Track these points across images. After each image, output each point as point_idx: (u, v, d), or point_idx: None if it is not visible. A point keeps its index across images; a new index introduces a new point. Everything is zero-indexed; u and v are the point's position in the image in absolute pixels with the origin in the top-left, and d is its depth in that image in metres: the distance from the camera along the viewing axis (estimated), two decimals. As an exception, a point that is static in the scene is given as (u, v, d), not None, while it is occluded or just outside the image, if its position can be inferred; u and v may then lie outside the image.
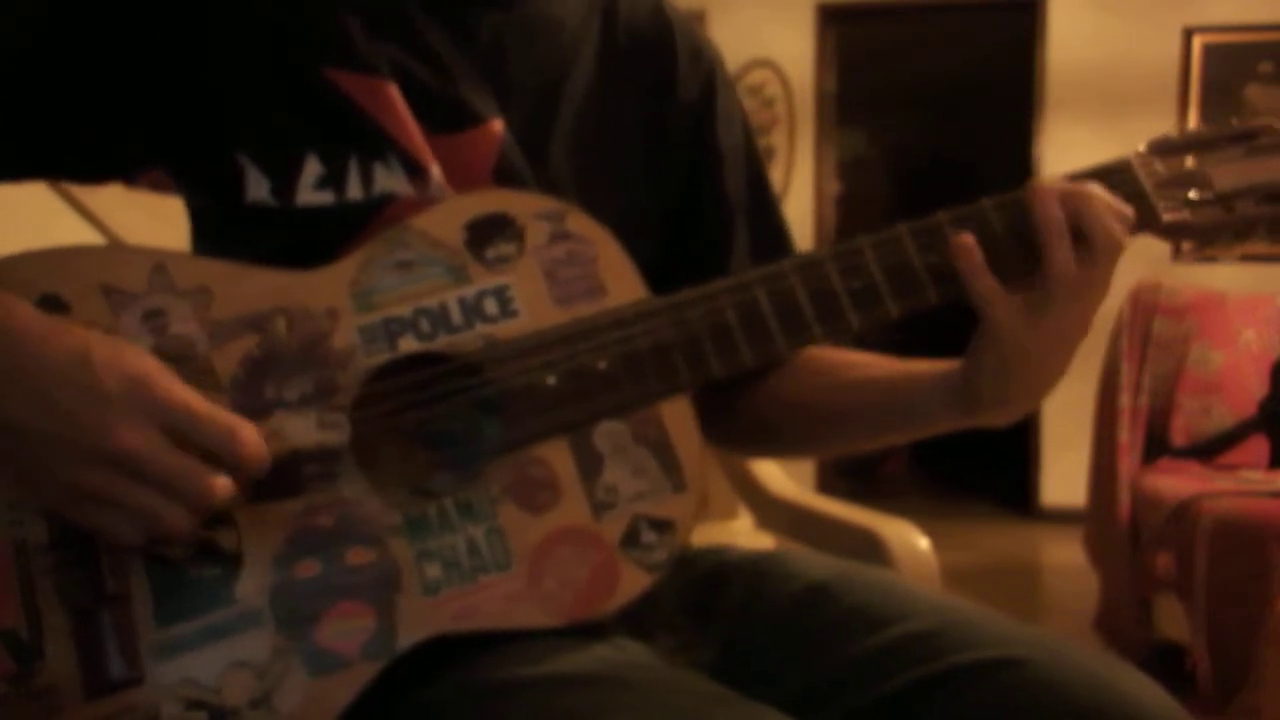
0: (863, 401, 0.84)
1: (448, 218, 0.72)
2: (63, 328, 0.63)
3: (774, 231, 0.92)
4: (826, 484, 4.85)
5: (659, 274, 0.75)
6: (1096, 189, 0.72)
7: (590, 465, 0.71)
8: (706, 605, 0.83)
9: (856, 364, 0.87)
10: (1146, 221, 0.75)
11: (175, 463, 0.61)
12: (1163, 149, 0.77)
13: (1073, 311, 0.71)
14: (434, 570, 0.68)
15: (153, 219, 0.82)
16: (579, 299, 0.72)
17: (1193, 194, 0.76)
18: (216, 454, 0.62)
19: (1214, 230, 0.77)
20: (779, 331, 0.73)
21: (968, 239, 0.72)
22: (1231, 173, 0.77)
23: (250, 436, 0.63)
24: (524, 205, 0.73)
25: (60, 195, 2.18)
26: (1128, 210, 0.73)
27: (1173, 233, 0.77)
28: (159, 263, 0.69)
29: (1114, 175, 0.75)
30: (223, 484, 0.62)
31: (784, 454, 1.04)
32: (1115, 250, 0.71)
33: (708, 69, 0.89)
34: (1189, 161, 0.77)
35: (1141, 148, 0.77)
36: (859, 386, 0.85)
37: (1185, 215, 0.76)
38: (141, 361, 0.62)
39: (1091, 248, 0.71)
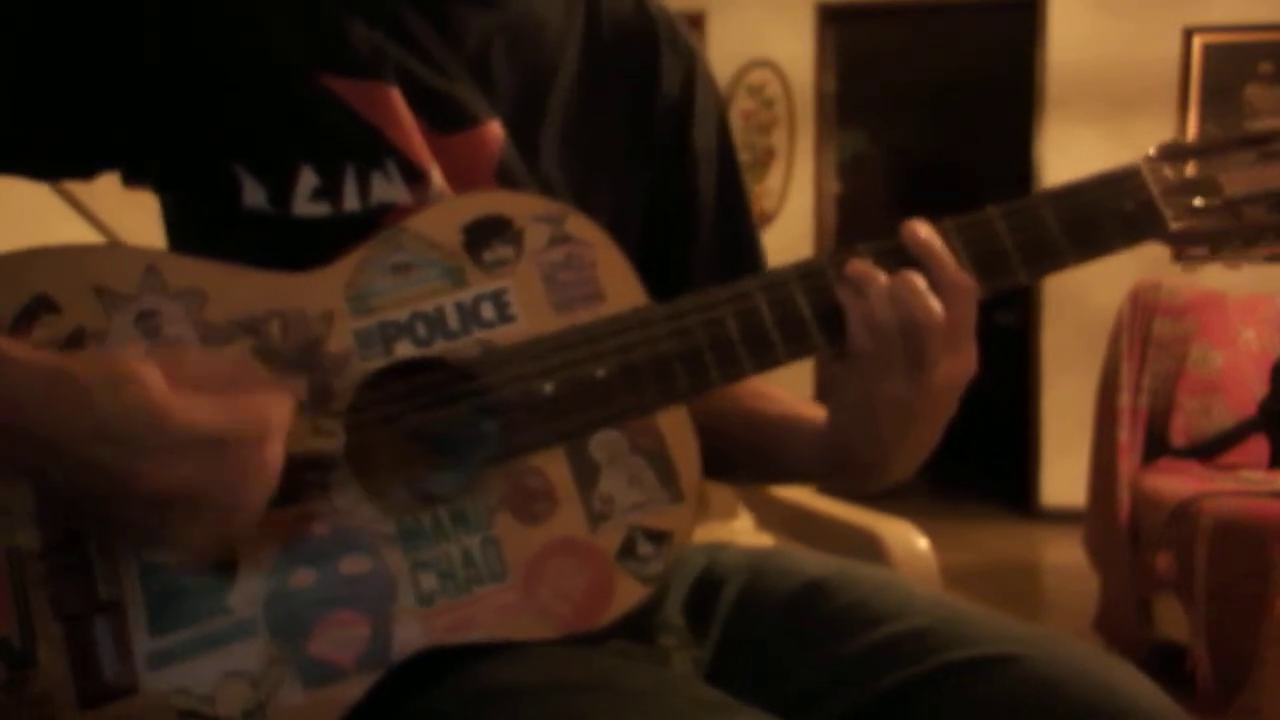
0: (753, 436, 0.84)
1: (445, 219, 0.71)
2: (65, 374, 0.59)
3: (740, 235, 0.91)
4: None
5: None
6: (881, 277, 0.70)
7: (587, 475, 0.70)
8: (704, 603, 0.83)
9: (764, 395, 0.87)
10: (1154, 228, 0.74)
11: (219, 475, 0.59)
12: (1172, 154, 0.76)
13: (889, 386, 0.70)
14: (429, 581, 0.67)
15: (153, 219, 0.81)
16: (577, 304, 0.71)
17: (1201, 200, 0.75)
18: (256, 449, 0.61)
19: (1222, 237, 0.76)
20: (780, 342, 0.72)
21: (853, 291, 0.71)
22: (1242, 179, 0.76)
23: (284, 412, 0.62)
24: (523, 207, 0.72)
25: (60, 195, 2.18)
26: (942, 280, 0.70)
27: (1180, 240, 0.76)
28: (151, 263, 0.67)
29: (1123, 182, 0.74)
30: (271, 464, 0.61)
31: None
32: (919, 329, 0.69)
33: (688, 64, 0.89)
34: (1198, 167, 0.76)
35: (1151, 152, 0.76)
36: (752, 420, 0.85)
37: (1193, 222, 0.75)
38: (147, 395, 0.58)
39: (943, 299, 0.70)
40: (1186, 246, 0.78)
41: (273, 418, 0.61)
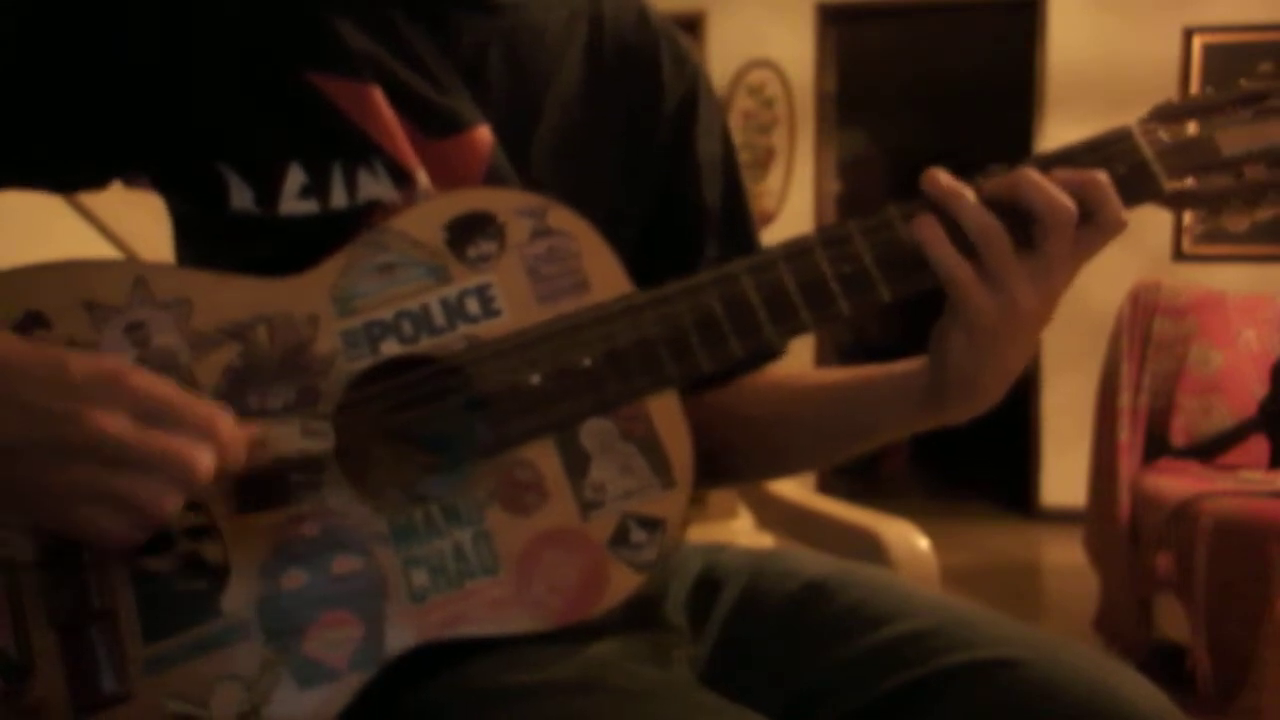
0: (824, 409, 0.83)
1: (427, 218, 0.71)
2: (43, 346, 0.62)
3: (746, 246, 0.90)
4: (826, 484, 4.85)
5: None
6: (1032, 173, 0.69)
7: (577, 464, 0.70)
8: (704, 603, 0.83)
9: (810, 376, 0.86)
10: (1149, 191, 0.71)
11: (152, 439, 0.58)
12: (1166, 115, 0.73)
13: (1032, 292, 0.68)
14: (421, 577, 0.67)
15: (153, 219, 0.81)
16: (562, 295, 0.71)
17: (1198, 160, 0.72)
18: (196, 437, 0.60)
19: (1222, 198, 0.73)
20: (767, 321, 0.70)
21: (928, 216, 0.70)
22: (1240, 136, 0.72)
23: (228, 423, 0.61)
24: (504, 202, 0.72)
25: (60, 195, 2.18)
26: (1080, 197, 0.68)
27: (1178, 202, 0.73)
28: (139, 275, 0.68)
29: (1114, 144, 0.71)
30: (205, 459, 0.59)
31: (748, 475, 1.00)
32: (1064, 227, 0.67)
33: (691, 79, 0.88)
34: (1194, 128, 0.73)
35: (1145, 114, 0.73)
36: (818, 394, 0.84)
37: (1190, 183, 0.72)
38: (115, 359, 0.61)
39: (1040, 227, 0.68)
40: (1184, 209, 0.74)
41: (228, 437, 0.61)
